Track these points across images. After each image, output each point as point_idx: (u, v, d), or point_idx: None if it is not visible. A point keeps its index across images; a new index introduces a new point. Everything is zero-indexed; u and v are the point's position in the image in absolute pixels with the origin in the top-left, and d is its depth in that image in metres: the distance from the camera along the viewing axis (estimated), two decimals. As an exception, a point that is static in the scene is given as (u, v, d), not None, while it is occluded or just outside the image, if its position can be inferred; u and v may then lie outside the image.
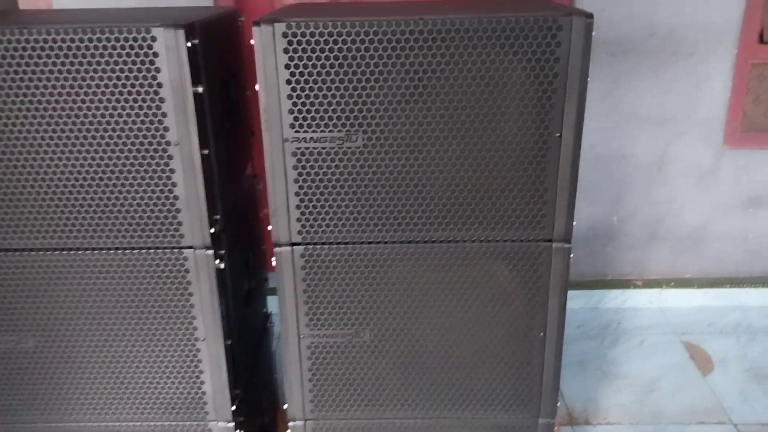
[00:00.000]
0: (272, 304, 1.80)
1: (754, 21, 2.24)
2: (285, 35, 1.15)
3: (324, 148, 1.23)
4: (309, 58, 1.16)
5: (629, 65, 2.39)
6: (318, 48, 1.15)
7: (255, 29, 1.15)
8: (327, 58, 1.16)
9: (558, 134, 1.21)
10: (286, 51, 1.16)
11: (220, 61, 1.37)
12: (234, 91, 1.50)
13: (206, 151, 1.26)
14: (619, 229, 2.68)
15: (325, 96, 1.19)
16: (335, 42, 1.15)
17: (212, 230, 1.30)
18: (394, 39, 1.15)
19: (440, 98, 1.18)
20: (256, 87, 1.19)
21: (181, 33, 1.15)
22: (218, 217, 1.35)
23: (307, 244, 1.31)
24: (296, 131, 1.22)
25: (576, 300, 2.67)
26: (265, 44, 1.15)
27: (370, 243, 1.31)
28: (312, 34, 1.15)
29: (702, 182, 2.58)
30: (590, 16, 1.13)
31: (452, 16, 1.14)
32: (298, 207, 1.28)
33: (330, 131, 1.22)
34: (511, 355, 1.39)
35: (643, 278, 2.74)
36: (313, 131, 1.22)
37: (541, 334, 1.37)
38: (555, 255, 1.30)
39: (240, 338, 1.51)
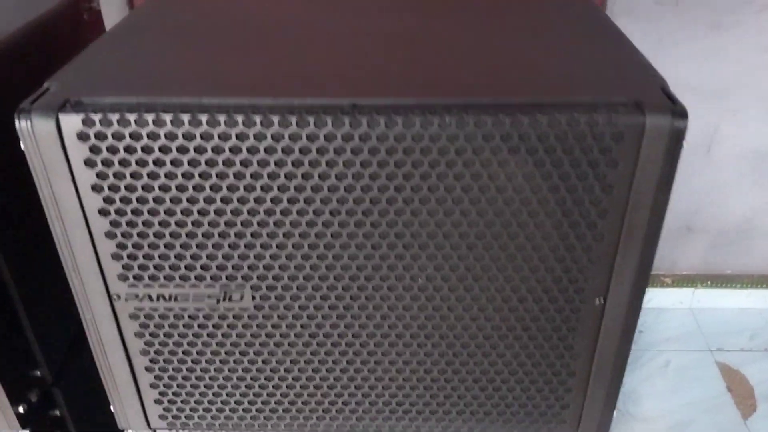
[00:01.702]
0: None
1: None
2: (83, 137, 0.58)
3: (185, 310, 0.69)
4: (136, 175, 0.60)
5: (682, 20, 1.77)
6: (153, 158, 0.59)
7: (20, 125, 0.58)
8: (178, 162, 0.60)
9: (599, 300, 0.67)
10: (90, 164, 0.59)
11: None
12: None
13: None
14: (648, 218, 2.14)
15: (176, 233, 0.63)
16: (182, 151, 0.58)
17: (22, 408, 0.78)
18: (298, 148, 0.58)
19: (394, 227, 0.63)
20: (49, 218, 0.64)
21: None
22: (38, 373, 0.82)
23: (177, 433, 0.79)
24: (132, 285, 0.67)
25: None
26: (49, 153, 0.59)
27: (278, 432, 0.79)
28: (136, 136, 0.58)
29: (759, 166, 2.02)
30: (682, 113, 0.56)
31: (410, 102, 0.57)
32: (154, 386, 0.75)
33: (193, 285, 0.67)
34: None
35: (673, 274, 2.24)
36: (163, 285, 0.67)
37: None
38: (579, 457, 0.79)
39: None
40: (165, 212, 0.62)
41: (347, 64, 0.66)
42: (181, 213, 0.63)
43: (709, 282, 2.22)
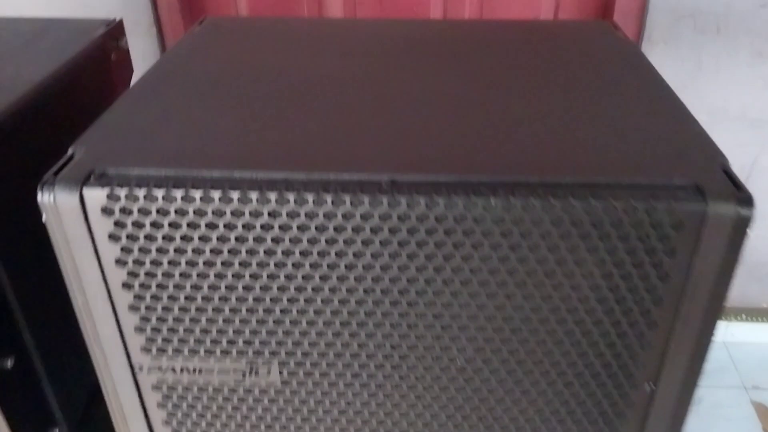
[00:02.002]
0: None
1: None
2: (108, 212, 0.55)
3: (209, 383, 0.66)
4: (162, 250, 0.57)
5: (724, 46, 1.72)
6: (180, 234, 0.56)
7: (43, 198, 0.55)
8: (206, 238, 0.56)
9: (650, 386, 0.62)
10: (114, 238, 0.56)
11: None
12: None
13: (9, 363, 0.70)
14: (682, 249, 2.08)
15: (202, 308, 0.60)
16: (211, 227, 0.55)
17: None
18: (333, 227, 0.55)
19: (432, 307, 0.59)
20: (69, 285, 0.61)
21: None
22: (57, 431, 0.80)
23: (198, 502, 0.76)
24: (155, 357, 0.64)
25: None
26: (72, 226, 0.56)
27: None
28: (163, 212, 0.55)
29: (800, 198, 1.95)
30: (748, 200, 0.51)
31: (452, 179, 0.53)
32: (175, 454, 0.72)
33: (218, 359, 0.64)
34: None
35: (706, 307, 2.16)
36: (187, 358, 0.64)
37: None
38: None
39: None
40: (191, 287, 0.59)
41: (385, 132, 0.62)
42: (208, 288, 0.59)
43: (744, 315, 2.15)
